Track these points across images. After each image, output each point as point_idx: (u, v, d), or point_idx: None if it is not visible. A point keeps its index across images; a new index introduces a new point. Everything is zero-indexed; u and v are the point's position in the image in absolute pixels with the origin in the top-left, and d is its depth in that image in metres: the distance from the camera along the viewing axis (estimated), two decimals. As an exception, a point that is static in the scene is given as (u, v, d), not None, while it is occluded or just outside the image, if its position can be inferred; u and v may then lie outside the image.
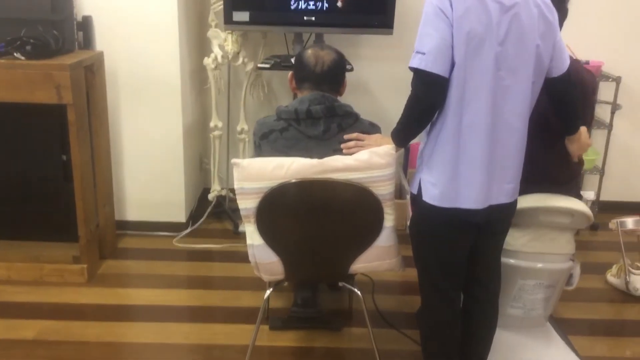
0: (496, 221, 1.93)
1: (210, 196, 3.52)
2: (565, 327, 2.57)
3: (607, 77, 3.47)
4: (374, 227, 2.00)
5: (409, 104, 1.79)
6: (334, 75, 2.09)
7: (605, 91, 3.57)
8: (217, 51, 3.23)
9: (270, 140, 2.04)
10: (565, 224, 2.23)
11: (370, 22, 3.13)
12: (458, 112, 1.74)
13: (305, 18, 3.10)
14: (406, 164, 3.65)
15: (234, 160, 1.94)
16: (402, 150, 3.60)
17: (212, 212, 3.53)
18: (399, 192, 3.56)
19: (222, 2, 3.07)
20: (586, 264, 3.11)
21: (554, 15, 1.80)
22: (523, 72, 1.77)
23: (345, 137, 2.00)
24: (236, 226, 3.41)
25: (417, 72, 1.72)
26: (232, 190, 3.38)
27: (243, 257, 2.87)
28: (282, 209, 1.93)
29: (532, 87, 1.81)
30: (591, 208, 2.24)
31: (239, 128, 3.47)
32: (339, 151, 1.97)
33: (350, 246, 2.03)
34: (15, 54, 2.54)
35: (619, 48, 3.57)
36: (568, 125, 2.06)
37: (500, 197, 1.85)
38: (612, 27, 3.53)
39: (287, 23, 3.13)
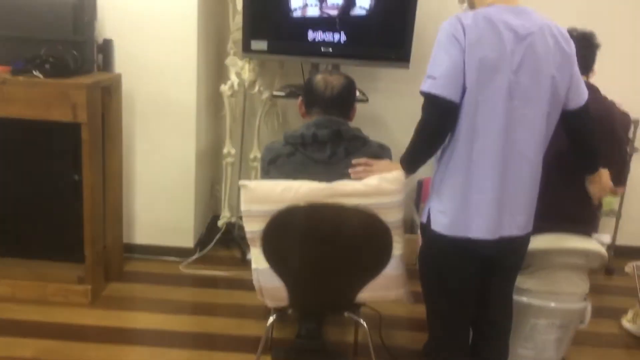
0: (508, 255, 1.89)
1: (220, 223, 3.50)
2: (578, 372, 2.49)
3: (624, 119, 3.42)
4: (383, 255, 1.96)
5: (419, 129, 1.78)
6: (343, 100, 2.08)
7: (622, 133, 3.52)
8: (234, 79, 3.26)
9: (278, 164, 2.03)
10: (580, 264, 2.17)
11: (387, 55, 3.14)
12: (469, 139, 1.72)
13: (322, 49, 3.12)
14: (418, 199, 3.61)
15: (241, 182, 1.92)
16: (415, 184, 3.58)
17: (221, 239, 3.50)
18: (410, 227, 3.51)
19: (241, 31, 3.11)
20: (601, 309, 3.03)
21: (570, 46, 1.79)
22: (537, 102, 1.75)
23: (354, 162, 1.97)
24: (244, 254, 3.37)
25: (427, 96, 1.71)
26: (242, 218, 3.37)
27: (250, 286, 2.81)
28: (289, 232, 1.90)
29: (547, 119, 1.78)
30: (607, 252, 2.18)
31: (251, 156, 3.46)
32: (346, 176, 1.95)
33: (357, 273, 1.99)
34: (34, 72, 2.58)
35: (637, 90, 3.53)
36: (586, 162, 2.02)
37: (513, 229, 1.81)
38: (630, 68, 3.51)
39: (304, 53, 3.15)
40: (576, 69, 1.83)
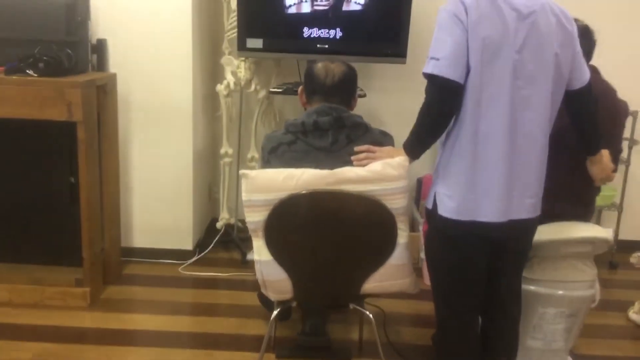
0: (517, 238, 1.85)
1: (219, 224, 3.46)
2: (587, 364, 2.45)
3: (624, 111, 3.41)
4: (388, 243, 1.92)
5: (423, 112, 1.74)
6: (345, 87, 2.05)
7: (622, 126, 3.51)
8: (229, 78, 3.23)
9: (279, 154, 1.99)
10: (586, 252, 2.14)
11: (383, 50, 3.13)
12: (474, 120, 1.69)
13: (318, 46, 3.10)
14: (418, 196, 3.58)
15: (242, 171, 1.89)
16: (414, 182, 3.54)
17: (220, 241, 3.45)
18: (411, 225, 3.47)
19: (236, 30, 3.08)
20: (607, 302, 3.00)
21: (572, 24, 1.77)
22: (542, 81, 1.72)
23: (356, 149, 1.94)
24: (244, 255, 3.33)
25: (431, 78, 1.68)
26: (241, 220, 3.33)
27: (250, 286, 2.80)
28: (292, 221, 1.86)
29: (552, 98, 1.76)
30: (610, 246, 2.16)
31: (249, 156, 3.43)
32: (348, 163, 1.91)
33: (362, 263, 1.95)
34: (27, 71, 2.54)
35: (637, 82, 3.52)
36: (587, 143, 1.99)
37: (522, 212, 1.78)
38: (629, 60, 3.50)
39: (300, 51, 3.13)
40: (578, 47, 1.81)
